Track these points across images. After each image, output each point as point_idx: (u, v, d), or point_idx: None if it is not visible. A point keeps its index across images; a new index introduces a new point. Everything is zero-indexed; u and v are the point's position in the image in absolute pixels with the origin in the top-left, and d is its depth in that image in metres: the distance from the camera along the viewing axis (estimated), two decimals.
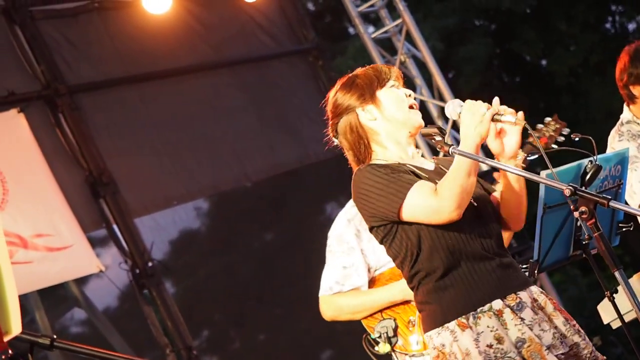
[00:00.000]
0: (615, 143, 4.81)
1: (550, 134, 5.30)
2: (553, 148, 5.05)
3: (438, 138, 3.16)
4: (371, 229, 3.34)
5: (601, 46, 14.13)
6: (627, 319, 3.52)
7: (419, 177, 3.27)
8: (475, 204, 3.28)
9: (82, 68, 7.77)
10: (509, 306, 3.19)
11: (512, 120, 3.18)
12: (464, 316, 3.17)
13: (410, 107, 3.40)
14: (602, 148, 4.84)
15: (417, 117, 3.40)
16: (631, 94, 4.88)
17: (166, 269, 8.07)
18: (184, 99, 8.33)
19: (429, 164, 3.46)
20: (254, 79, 8.98)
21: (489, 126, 3.18)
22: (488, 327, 3.15)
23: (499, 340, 3.14)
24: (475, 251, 3.23)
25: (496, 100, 3.24)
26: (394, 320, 4.56)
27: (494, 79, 15.50)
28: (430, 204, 3.15)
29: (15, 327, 3.03)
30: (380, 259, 4.63)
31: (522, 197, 3.36)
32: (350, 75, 3.49)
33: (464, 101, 3.24)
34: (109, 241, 7.70)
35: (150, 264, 7.48)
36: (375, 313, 4.60)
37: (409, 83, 8.84)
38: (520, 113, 3.22)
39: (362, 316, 4.58)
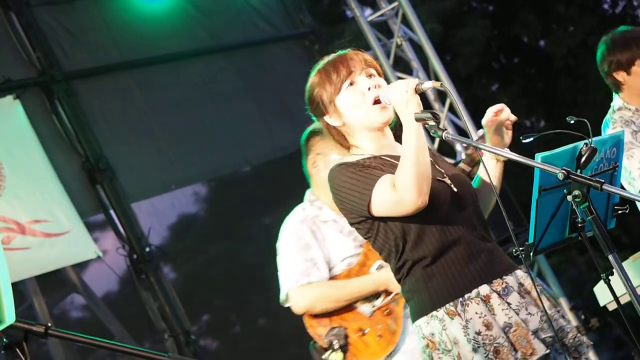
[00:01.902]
0: (610, 131, 4.81)
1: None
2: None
3: (432, 123, 3.11)
4: (352, 225, 3.32)
5: (600, 27, 14.04)
6: (622, 301, 3.50)
7: (393, 167, 3.21)
8: (456, 190, 3.26)
9: (78, 54, 7.76)
10: (495, 291, 3.18)
11: (431, 85, 3.17)
12: (452, 303, 3.15)
13: (375, 102, 3.29)
14: (599, 131, 4.85)
15: (377, 117, 3.29)
16: (616, 81, 4.92)
17: (164, 254, 8.07)
18: (180, 84, 8.32)
19: None
20: (251, 63, 8.96)
21: (418, 99, 3.16)
22: (476, 313, 3.14)
23: (487, 326, 3.12)
24: (462, 236, 3.20)
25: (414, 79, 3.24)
26: (345, 329, 4.56)
27: (492, 61, 15.46)
28: (392, 198, 3.11)
29: (9, 316, 3.03)
30: (332, 258, 4.64)
31: (494, 191, 3.33)
32: (310, 82, 3.47)
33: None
34: (107, 226, 7.72)
35: (147, 249, 7.49)
36: (334, 316, 4.60)
37: (405, 66, 8.89)
38: None
39: (338, 306, 4.57)
